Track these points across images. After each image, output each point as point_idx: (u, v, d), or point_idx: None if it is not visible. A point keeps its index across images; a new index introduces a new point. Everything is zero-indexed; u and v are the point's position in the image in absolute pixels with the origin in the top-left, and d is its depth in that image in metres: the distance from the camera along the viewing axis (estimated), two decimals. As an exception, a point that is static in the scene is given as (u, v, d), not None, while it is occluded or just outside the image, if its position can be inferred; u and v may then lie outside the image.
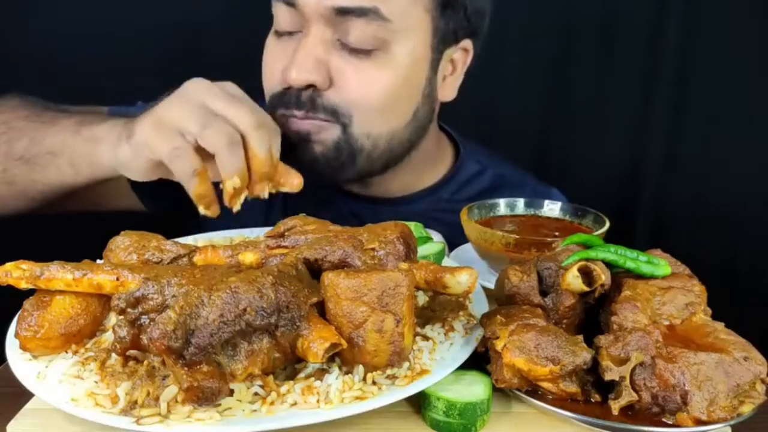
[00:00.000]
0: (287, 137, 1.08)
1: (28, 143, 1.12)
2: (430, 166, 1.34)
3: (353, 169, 1.16)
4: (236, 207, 0.94)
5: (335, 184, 1.26)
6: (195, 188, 0.91)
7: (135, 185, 1.22)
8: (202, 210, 0.94)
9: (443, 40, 1.16)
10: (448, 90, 1.24)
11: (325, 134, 1.12)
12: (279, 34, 1.13)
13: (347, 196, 1.32)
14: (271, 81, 1.14)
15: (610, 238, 0.94)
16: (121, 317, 0.69)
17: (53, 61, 1.64)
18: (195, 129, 0.90)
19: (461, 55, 1.22)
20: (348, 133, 1.11)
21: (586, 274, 0.76)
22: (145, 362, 0.69)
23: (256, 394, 0.67)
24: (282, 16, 1.10)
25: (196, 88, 0.95)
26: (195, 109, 0.92)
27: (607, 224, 1.02)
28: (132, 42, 1.68)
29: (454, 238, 1.10)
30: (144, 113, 0.97)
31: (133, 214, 1.30)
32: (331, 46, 1.08)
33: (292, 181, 0.98)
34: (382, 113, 1.13)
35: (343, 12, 1.04)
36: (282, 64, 1.10)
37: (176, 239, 0.90)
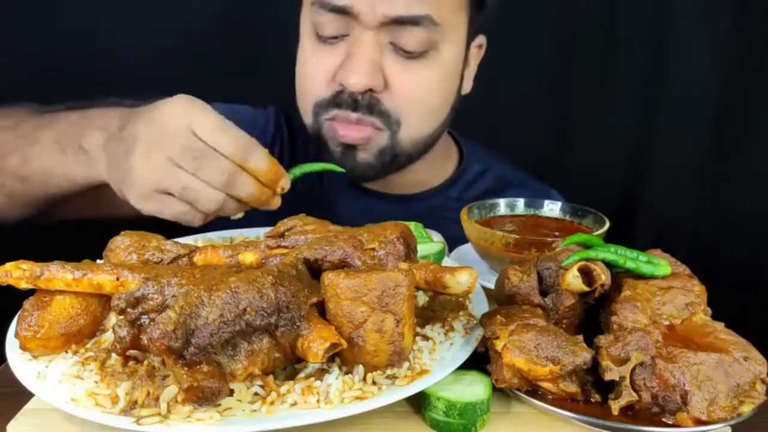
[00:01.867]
0: None
1: (20, 161, 1.09)
2: (441, 162, 1.38)
3: (392, 170, 1.21)
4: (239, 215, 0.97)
5: (350, 179, 1.27)
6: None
7: None
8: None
9: (471, 37, 1.22)
10: (467, 83, 1.29)
11: (372, 143, 1.15)
12: (322, 39, 1.13)
13: (361, 192, 1.32)
14: (316, 84, 1.15)
15: (610, 238, 0.94)
16: (121, 317, 0.69)
17: (55, 62, 1.64)
18: (192, 186, 0.88)
19: (477, 50, 1.28)
20: (395, 140, 1.16)
21: (586, 274, 0.76)
22: (145, 362, 0.69)
23: (256, 394, 0.67)
24: (327, 22, 1.11)
25: (169, 144, 0.88)
26: (175, 169, 0.87)
27: (607, 224, 1.02)
28: (137, 43, 1.68)
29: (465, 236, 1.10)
30: (122, 158, 0.91)
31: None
32: (385, 48, 1.11)
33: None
34: (430, 114, 1.18)
35: (399, 21, 1.08)
36: (329, 68, 1.12)
37: (176, 239, 0.91)
